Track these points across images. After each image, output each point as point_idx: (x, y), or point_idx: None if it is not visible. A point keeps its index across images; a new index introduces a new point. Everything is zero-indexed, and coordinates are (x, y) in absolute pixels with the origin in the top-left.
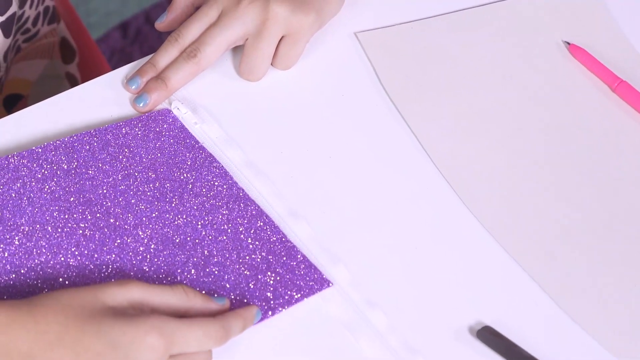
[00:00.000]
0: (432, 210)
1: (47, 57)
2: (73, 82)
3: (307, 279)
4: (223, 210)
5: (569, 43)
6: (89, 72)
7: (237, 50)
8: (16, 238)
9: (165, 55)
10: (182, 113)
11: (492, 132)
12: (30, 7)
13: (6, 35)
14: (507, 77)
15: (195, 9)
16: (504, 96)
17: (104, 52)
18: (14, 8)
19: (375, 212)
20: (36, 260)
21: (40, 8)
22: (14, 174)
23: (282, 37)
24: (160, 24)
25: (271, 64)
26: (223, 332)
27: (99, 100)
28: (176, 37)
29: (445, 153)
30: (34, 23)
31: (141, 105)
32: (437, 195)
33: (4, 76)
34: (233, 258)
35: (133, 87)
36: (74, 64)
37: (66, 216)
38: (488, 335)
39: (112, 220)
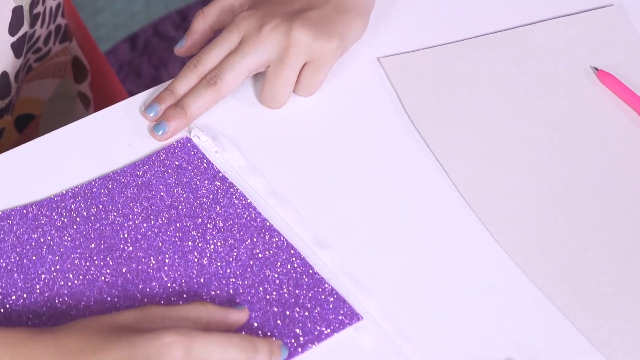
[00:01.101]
0: (460, 242)
1: (59, 76)
2: (85, 102)
3: (337, 312)
4: (248, 244)
5: (597, 69)
6: (101, 92)
7: (258, 76)
8: (37, 287)
9: (185, 81)
10: (202, 141)
11: (519, 162)
12: (42, 26)
13: (17, 56)
14: (532, 104)
15: (215, 33)
16: (530, 123)
17: (112, 64)
18: (25, 28)
19: (403, 242)
20: (58, 309)
21: (52, 27)
22: (33, 223)
23: (305, 63)
24: (180, 49)
25: (293, 91)
26: (249, 342)
27: (116, 128)
28: (195, 63)
29: (471, 183)
30: (46, 42)
31: (160, 133)
32: (465, 226)
33: (15, 96)
34: (260, 295)
35: (151, 114)
36: (85, 83)
37: (87, 263)
38: None
39: (134, 265)
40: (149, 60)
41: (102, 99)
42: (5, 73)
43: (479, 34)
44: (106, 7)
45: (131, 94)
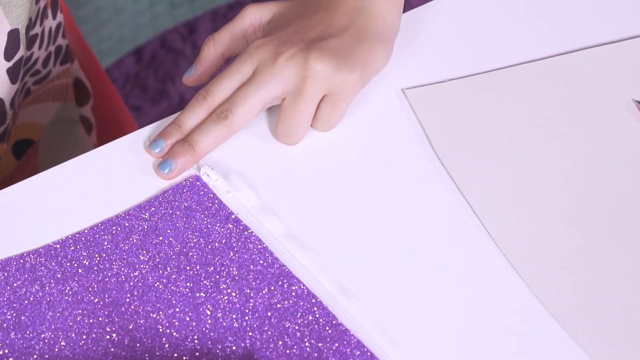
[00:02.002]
0: (494, 290)
1: (60, 99)
2: (87, 126)
3: None
4: (265, 294)
5: (639, 102)
6: (104, 115)
7: (273, 109)
8: (36, 347)
9: (193, 115)
10: (213, 180)
11: (554, 203)
12: (40, 47)
13: (13, 81)
14: (569, 139)
15: (227, 61)
16: (566, 160)
17: (117, 78)
18: (21, 52)
19: (433, 290)
20: None
21: (52, 48)
22: (30, 274)
23: (324, 96)
24: (188, 78)
25: (311, 125)
26: None
27: (119, 164)
28: (204, 95)
29: (503, 227)
30: (45, 64)
31: (166, 171)
32: (498, 273)
33: (11, 123)
34: (279, 350)
35: (156, 150)
36: (88, 106)
37: (91, 320)
38: None
39: (142, 322)
40: (154, 73)
41: (105, 123)
42: (0, 100)
43: (511, 64)
44: (111, 20)
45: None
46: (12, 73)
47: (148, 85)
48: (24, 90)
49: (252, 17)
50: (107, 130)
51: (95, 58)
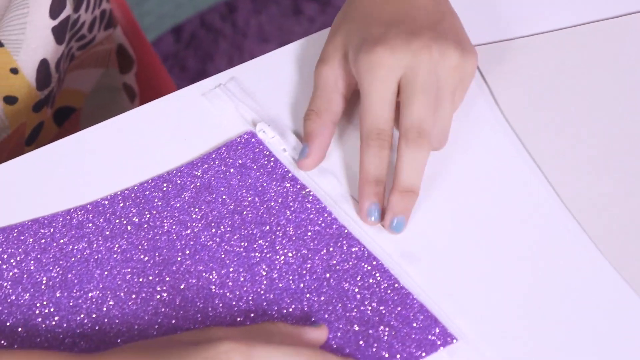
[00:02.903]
0: (565, 255)
1: (103, 65)
2: (130, 94)
3: (428, 332)
4: (323, 255)
5: None
6: (148, 84)
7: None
8: (84, 306)
9: (380, 162)
10: (269, 137)
11: (628, 164)
12: (87, 10)
13: (59, 42)
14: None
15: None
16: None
17: None
18: (68, 11)
19: (501, 253)
20: (107, 333)
21: (97, 11)
22: (78, 231)
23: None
24: (305, 160)
25: None
26: (321, 357)
27: (169, 120)
28: (378, 135)
29: (576, 191)
30: (90, 29)
31: (400, 230)
32: (567, 241)
33: (57, 87)
34: (338, 312)
35: (373, 218)
36: (131, 73)
37: (141, 279)
38: None
39: (193, 281)
40: (194, 53)
41: (148, 92)
42: (45, 61)
43: (578, 23)
44: None
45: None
46: (58, 33)
47: (188, 65)
48: (69, 56)
49: (326, 73)
50: (150, 99)
51: (138, 26)
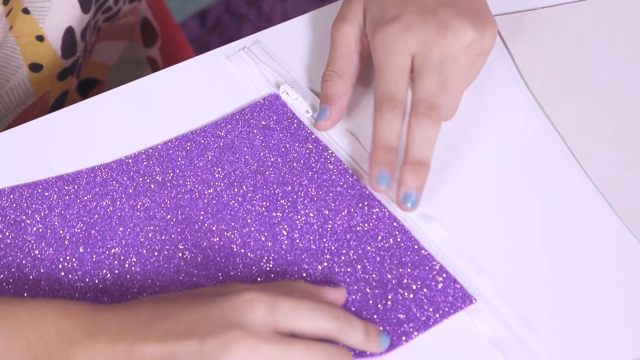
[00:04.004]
0: (581, 216)
1: (127, 38)
2: (154, 68)
3: (447, 294)
4: (344, 215)
5: None
6: (172, 58)
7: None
8: (106, 262)
9: (394, 129)
10: (292, 99)
11: None
12: None
13: (85, 11)
14: None
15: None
16: None
17: None
18: None
19: (519, 214)
20: (129, 289)
21: None
22: (102, 188)
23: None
24: (324, 122)
25: None
26: (342, 313)
27: (192, 83)
28: (393, 104)
29: (598, 161)
30: (116, 0)
31: (409, 205)
32: (588, 207)
33: (82, 57)
34: (358, 274)
35: (384, 186)
36: (155, 47)
37: (163, 237)
38: None
39: (215, 240)
40: (219, 38)
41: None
42: (70, 28)
43: None
44: None
45: None
46: (84, 1)
47: (211, 49)
48: (96, 28)
49: (347, 31)
50: None
51: (163, 0)
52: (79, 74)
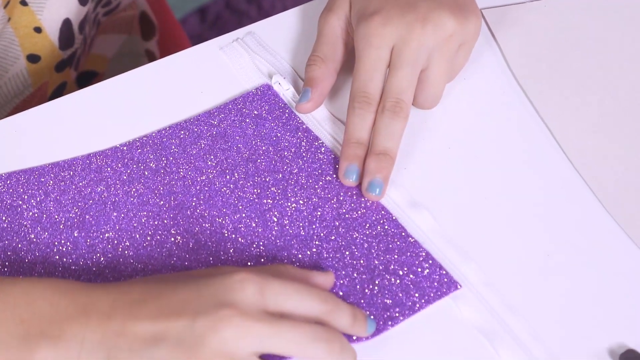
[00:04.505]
0: (566, 211)
1: (126, 32)
2: (152, 60)
3: (433, 280)
4: (333, 203)
5: None
6: (169, 51)
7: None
8: (100, 246)
9: (363, 124)
10: (284, 89)
11: (636, 129)
12: None
13: (82, 2)
14: None
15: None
16: None
17: None
18: None
19: (504, 202)
20: (122, 272)
21: None
22: (96, 175)
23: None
24: (305, 104)
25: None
26: (330, 296)
27: (187, 73)
28: (365, 100)
29: (582, 149)
30: None
31: (377, 192)
32: (572, 195)
33: (81, 49)
34: (346, 260)
35: (353, 178)
36: (153, 40)
37: (156, 222)
38: (633, 359)
39: (207, 225)
40: (219, 34)
41: None
42: (68, 20)
43: None
44: None
45: None
46: None
47: None
48: (95, 22)
49: (333, 21)
50: None
51: None
52: (77, 66)
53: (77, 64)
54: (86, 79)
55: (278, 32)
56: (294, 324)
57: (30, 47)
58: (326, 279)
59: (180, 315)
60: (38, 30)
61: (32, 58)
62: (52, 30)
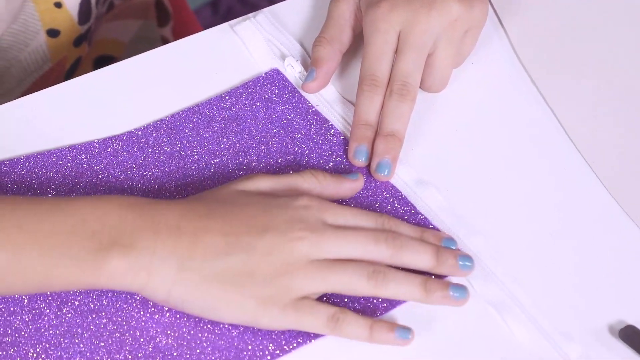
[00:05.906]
0: (569, 191)
1: (142, 17)
2: None
3: None
4: None
5: None
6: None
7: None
8: None
9: (372, 106)
10: (296, 72)
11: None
12: None
13: None
14: None
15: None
16: None
17: None
18: None
19: (511, 178)
20: None
21: None
22: (113, 159)
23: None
24: (310, 83)
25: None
26: (386, 218)
27: (201, 55)
28: (373, 82)
29: (586, 134)
30: None
31: (385, 173)
32: (575, 176)
33: (94, 26)
34: None
35: (362, 159)
36: (168, 27)
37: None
38: (631, 335)
39: None
40: None
41: None
42: None
43: None
44: None
45: None
46: None
47: None
48: (107, 2)
49: (342, 6)
50: None
51: None
52: (91, 41)
53: (90, 39)
54: (104, 63)
55: (289, 16)
56: (356, 230)
57: (50, 22)
58: (356, 184)
59: (250, 228)
60: (58, 5)
61: (52, 32)
62: (72, 5)
